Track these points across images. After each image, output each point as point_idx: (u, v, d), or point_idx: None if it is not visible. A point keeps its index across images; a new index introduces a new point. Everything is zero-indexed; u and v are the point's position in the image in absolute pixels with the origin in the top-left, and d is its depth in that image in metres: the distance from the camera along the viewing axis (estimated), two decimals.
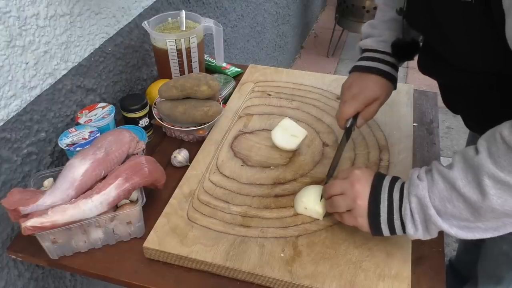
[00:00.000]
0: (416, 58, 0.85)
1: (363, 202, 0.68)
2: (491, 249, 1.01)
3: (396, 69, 0.88)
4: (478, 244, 1.09)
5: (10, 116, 0.80)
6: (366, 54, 0.88)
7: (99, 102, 1.03)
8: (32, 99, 0.85)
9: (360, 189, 0.69)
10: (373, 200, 0.68)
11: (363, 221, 0.69)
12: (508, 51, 0.55)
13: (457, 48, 0.65)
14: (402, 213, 0.65)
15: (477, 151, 0.59)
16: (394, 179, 0.70)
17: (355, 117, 0.85)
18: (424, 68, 0.80)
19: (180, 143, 1.02)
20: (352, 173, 0.72)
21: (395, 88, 0.88)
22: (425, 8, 0.67)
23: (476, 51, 0.63)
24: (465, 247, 1.43)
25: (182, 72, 1.12)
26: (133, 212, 0.76)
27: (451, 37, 0.64)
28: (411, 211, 0.64)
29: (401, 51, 0.84)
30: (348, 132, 0.85)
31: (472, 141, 1.11)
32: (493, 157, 0.56)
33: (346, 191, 0.71)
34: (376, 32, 0.88)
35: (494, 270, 1.02)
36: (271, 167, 0.92)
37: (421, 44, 0.83)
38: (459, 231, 0.61)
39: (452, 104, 0.84)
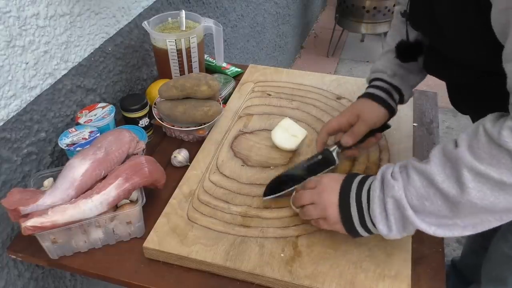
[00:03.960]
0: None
1: (333, 210, 0.69)
2: (494, 251, 1.00)
3: (395, 100, 0.87)
4: (485, 247, 1.08)
5: (10, 116, 0.80)
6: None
7: (99, 102, 1.03)
8: (32, 99, 0.85)
9: (328, 198, 0.70)
10: (343, 207, 0.68)
11: (339, 227, 0.70)
12: (501, 48, 0.55)
13: (455, 44, 0.65)
14: (371, 215, 0.65)
15: (456, 145, 0.59)
16: (363, 180, 0.69)
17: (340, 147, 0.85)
18: (428, 68, 0.82)
19: (180, 143, 1.02)
20: (320, 182, 0.73)
21: (390, 116, 0.87)
22: (427, 9, 0.67)
23: (469, 46, 0.63)
24: (471, 250, 1.40)
25: (182, 72, 1.12)
26: (133, 212, 0.76)
27: (448, 32, 0.65)
28: (386, 212, 0.63)
29: (405, 52, 0.84)
30: (325, 156, 0.85)
31: None
32: (473, 149, 0.56)
33: (315, 201, 0.71)
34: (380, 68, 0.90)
35: (496, 272, 1.02)
36: (271, 167, 0.92)
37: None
38: (437, 230, 0.61)
39: (458, 104, 0.84)
